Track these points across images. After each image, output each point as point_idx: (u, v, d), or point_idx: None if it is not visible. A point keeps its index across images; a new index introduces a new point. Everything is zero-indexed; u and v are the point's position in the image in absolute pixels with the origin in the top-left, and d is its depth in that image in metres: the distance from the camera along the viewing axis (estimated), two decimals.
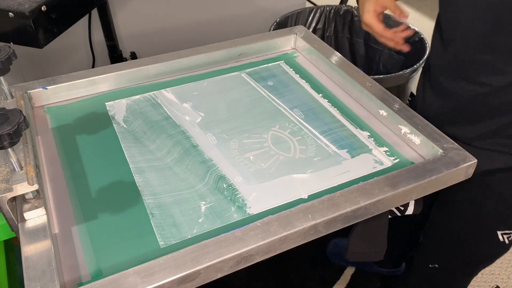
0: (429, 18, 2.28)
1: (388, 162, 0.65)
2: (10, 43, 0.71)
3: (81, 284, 0.48)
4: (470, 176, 0.62)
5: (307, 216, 0.53)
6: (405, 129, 0.68)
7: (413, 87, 1.31)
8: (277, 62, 0.87)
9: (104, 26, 1.18)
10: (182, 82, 0.81)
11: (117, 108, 0.74)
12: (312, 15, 1.42)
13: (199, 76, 0.83)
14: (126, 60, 1.27)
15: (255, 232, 0.51)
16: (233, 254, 0.49)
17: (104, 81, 0.77)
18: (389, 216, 0.67)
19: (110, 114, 0.73)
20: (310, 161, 0.65)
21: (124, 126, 0.71)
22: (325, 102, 0.77)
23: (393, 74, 1.10)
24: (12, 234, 0.73)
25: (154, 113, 0.74)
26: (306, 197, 0.59)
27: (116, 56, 1.23)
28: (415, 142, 0.66)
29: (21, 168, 0.52)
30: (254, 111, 0.75)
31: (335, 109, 0.75)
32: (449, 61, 0.73)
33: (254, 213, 0.57)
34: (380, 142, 0.69)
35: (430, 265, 0.91)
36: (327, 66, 0.83)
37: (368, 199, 0.55)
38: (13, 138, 0.48)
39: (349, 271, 1.15)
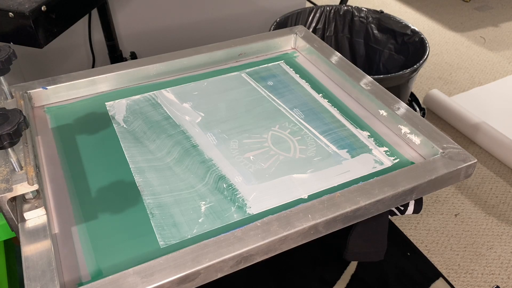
0: (429, 18, 2.28)
1: (388, 162, 0.65)
2: (10, 43, 0.71)
3: (81, 284, 0.48)
4: (470, 176, 0.62)
5: (307, 216, 0.53)
6: (405, 129, 0.68)
7: (413, 87, 1.31)
8: (277, 62, 0.87)
9: (104, 26, 1.18)
10: (182, 82, 0.81)
11: (117, 108, 0.74)
12: (312, 15, 1.42)
13: (199, 76, 0.83)
14: (126, 60, 1.27)
15: (255, 232, 0.51)
16: (233, 254, 0.49)
17: (104, 81, 0.77)
18: (389, 216, 0.67)
19: (110, 114, 0.73)
20: (310, 161, 0.65)
21: (124, 126, 0.71)
22: (325, 102, 0.77)
23: (393, 74, 1.10)
24: (12, 234, 0.73)
25: (154, 113, 0.74)
26: (306, 197, 0.59)
27: (116, 56, 1.23)
28: (415, 142, 0.66)
29: (21, 168, 0.52)
30: (254, 111, 0.75)
31: (335, 109, 0.75)
32: None
33: (254, 213, 0.57)
34: (380, 142, 0.69)
35: None
36: (327, 66, 0.83)
37: (368, 199, 0.55)
38: (13, 138, 0.48)
39: (349, 271, 1.15)
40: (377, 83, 0.76)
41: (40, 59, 1.25)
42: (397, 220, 1.26)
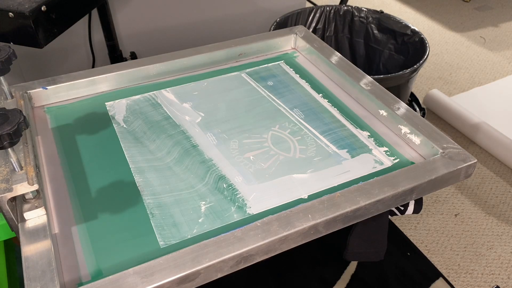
0: (429, 18, 2.28)
1: (388, 162, 0.65)
2: (10, 43, 0.71)
3: (81, 284, 0.48)
4: (470, 176, 0.62)
5: (307, 216, 0.53)
6: (405, 129, 0.68)
7: (413, 87, 1.31)
8: (277, 62, 0.87)
9: (104, 26, 1.18)
10: (182, 82, 0.81)
11: (117, 108, 0.74)
12: (312, 15, 1.42)
13: (199, 76, 0.83)
14: (126, 60, 1.27)
15: (255, 232, 0.51)
16: (233, 254, 0.49)
17: (104, 81, 0.77)
18: (389, 216, 0.67)
19: (110, 114, 0.73)
20: (310, 161, 0.65)
21: (124, 126, 0.71)
22: (325, 102, 0.77)
23: (393, 74, 1.10)
24: (12, 234, 0.73)
25: (154, 113, 0.74)
26: (306, 197, 0.59)
27: (116, 56, 1.23)
28: (415, 142, 0.66)
29: (21, 168, 0.52)
30: (254, 111, 0.75)
31: (335, 109, 0.75)
32: None
33: (254, 213, 0.57)
34: (380, 142, 0.69)
35: None
36: (327, 66, 0.83)
37: (368, 199, 0.55)
38: (13, 138, 0.48)
39: (349, 271, 1.15)
40: (377, 83, 0.76)
41: (40, 59, 1.24)
42: (397, 220, 1.26)
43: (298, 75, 0.84)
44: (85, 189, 0.60)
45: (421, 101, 1.51)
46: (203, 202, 0.58)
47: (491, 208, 1.30)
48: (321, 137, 0.70)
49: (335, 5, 1.42)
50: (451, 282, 1.02)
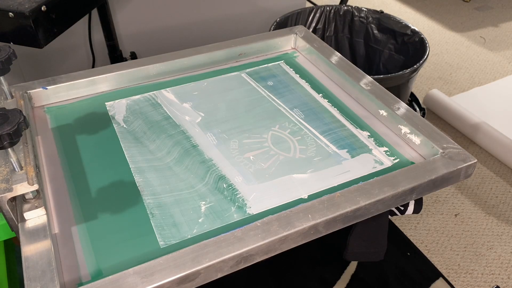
0: (429, 18, 2.28)
1: (388, 162, 0.65)
2: (10, 43, 0.71)
3: (81, 284, 0.48)
4: (470, 176, 0.62)
5: (307, 216, 0.53)
6: (405, 129, 0.68)
7: (413, 87, 1.31)
8: (277, 62, 0.87)
9: (104, 26, 1.18)
10: (182, 82, 0.81)
11: (117, 108, 0.74)
12: (312, 15, 1.42)
13: (199, 76, 0.83)
14: (126, 60, 1.27)
15: (255, 232, 0.51)
16: (233, 254, 0.49)
17: (104, 81, 0.77)
18: (389, 216, 0.67)
19: (110, 114, 0.73)
20: (310, 161, 0.65)
21: (124, 126, 0.71)
22: (325, 102, 0.77)
23: (393, 74, 1.10)
24: (12, 234, 0.73)
25: (154, 113, 0.74)
26: (306, 197, 0.59)
27: (116, 56, 1.23)
28: (415, 142, 0.66)
29: (21, 168, 0.52)
30: (254, 111, 0.75)
31: (335, 109, 0.75)
32: None
33: (254, 213, 0.57)
34: (380, 142, 0.69)
35: None
36: (327, 66, 0.83)
37: (368, 199, 0.55)
38: (13, 138, 0.48)
39: (349, 271, 1.15)
40: (377, 83, 0.76)
41: (40, 59, 1.25)
42: (397, 220, 1.26)
43: (298, 75, 0.84)
44: (85, 189, 0.60)
45: (421, 101, 1.51)
46: (203, 202, 0.58)
47: (491, 208, 1.30)
48: (321, 137, 0.70)
49: (335, 5, 1.42)
50: (451, 282, 1.02)
